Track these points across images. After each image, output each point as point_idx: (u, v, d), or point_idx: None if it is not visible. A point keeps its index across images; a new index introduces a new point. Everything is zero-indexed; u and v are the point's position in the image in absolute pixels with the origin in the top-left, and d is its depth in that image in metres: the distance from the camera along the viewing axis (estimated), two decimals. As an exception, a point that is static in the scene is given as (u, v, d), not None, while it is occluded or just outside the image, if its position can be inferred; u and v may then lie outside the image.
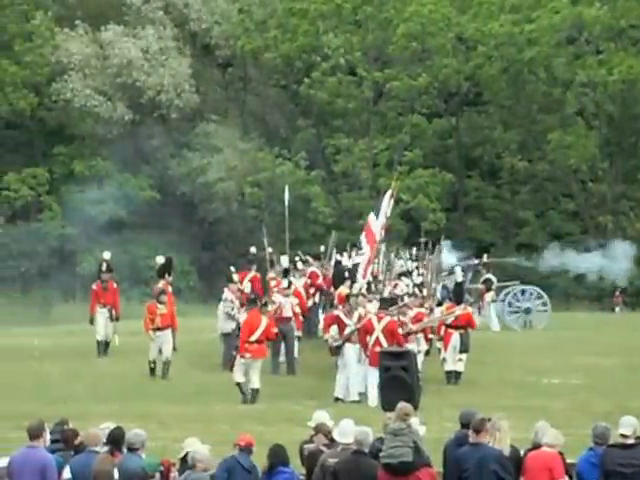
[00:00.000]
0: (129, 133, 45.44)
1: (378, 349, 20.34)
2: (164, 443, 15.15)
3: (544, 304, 32.56)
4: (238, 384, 21.16)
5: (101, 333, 25.93)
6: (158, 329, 23.25)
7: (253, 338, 21.13)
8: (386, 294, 23.66)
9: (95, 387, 22.53)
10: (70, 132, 45.41)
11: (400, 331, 20.91)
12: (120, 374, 23.77)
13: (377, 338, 20.56)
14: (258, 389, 21.10)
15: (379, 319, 20.73)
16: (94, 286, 26.48)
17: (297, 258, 27.33)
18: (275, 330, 22.03)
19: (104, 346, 25.92)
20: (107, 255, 26.88)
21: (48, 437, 12.30)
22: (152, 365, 23.41)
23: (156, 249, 40.54)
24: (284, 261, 26.20)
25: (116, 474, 11.54)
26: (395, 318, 21.05)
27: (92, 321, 26.05)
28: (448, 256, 31.34)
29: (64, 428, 12.88)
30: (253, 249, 28.97)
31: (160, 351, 23.19)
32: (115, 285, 26.52)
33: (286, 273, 25.27)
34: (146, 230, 43.56)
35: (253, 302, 22.16)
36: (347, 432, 12.59)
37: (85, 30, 44.82)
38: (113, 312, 25.96)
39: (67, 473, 12.08)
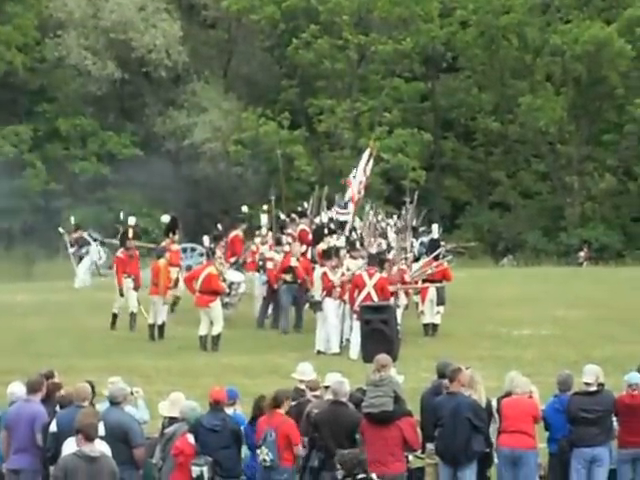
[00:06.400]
0: (116, 91, 45.90)
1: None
2: (149, 397, 14.83)
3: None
4: (199, 337, 21.91)
5: (135, 305, 23.64)
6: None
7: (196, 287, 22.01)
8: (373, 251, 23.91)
9: (80, 342, 22.25)
10: (56, 90, 45.70)
11: (391, 288, 21.15)
12: (105, 330, 23.61)
13: (368, 293, 20.66)
14: (218, 335, 21.71)
15: (370, 275, 20.81)
16: (119, 254, 24.09)
17: (283, 216, 27.23)
18: (221, 284, 22.13)
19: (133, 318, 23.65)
20: (132, 221, 24.55)
21: (44, 392, 12.62)
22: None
23: (140, 207, 41.34)
24: (263, 220, 26.77)
25: (101, 428, 11.18)
26: (385, 274, 21.31)
27: (122, 293, 23.60)
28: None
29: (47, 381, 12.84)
30: (245, 208, 28.93)
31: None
32: (138, 253, 24.40)
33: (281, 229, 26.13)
34: (130, 187, 43.49)
35: (208, 255, 23.17)
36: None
37: None
38: (135, 281, 23.71)
39: (53, 426, 12.07)
